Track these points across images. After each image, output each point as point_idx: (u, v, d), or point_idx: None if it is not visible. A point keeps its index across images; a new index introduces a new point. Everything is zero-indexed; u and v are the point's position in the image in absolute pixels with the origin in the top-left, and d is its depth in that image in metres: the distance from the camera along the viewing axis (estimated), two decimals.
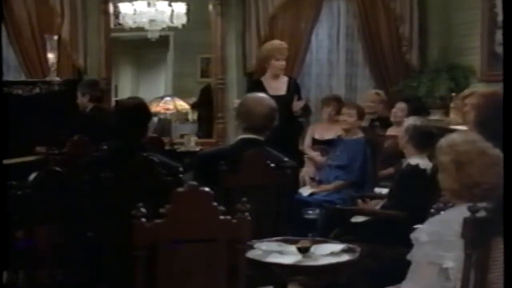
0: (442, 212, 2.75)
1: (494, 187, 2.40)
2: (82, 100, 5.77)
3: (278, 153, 3.79)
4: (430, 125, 4.22)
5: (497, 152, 2.46)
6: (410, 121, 4.21)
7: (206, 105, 7.73)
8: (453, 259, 2.41)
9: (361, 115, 5.60)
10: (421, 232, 2.53)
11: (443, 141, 2.67)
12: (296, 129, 5.72)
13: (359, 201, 4.51)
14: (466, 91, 5.17)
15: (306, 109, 5.91)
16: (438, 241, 2.46)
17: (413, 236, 2.58)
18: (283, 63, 5.55)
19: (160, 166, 3.32)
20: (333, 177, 5.46)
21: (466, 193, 2.50)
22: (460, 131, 3.37)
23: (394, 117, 5.79)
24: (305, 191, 5.51)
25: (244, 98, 4.10)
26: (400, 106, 5.77)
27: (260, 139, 3.75)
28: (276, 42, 5.81)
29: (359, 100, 6.70)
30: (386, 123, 6.09)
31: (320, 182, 5.60)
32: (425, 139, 4.01)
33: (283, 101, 5.43)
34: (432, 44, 7.09)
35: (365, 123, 5.95)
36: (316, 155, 6.00)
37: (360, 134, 5.54)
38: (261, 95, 4.06)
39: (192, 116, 8.48)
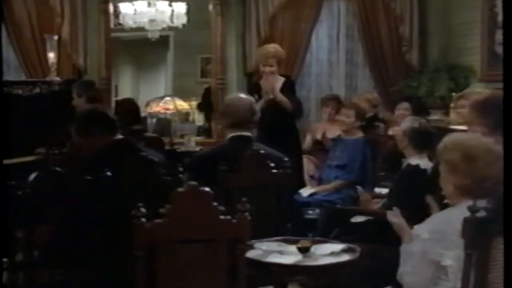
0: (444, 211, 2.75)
1: (501, 181, 2.40)
2: (79, 101, 5.76)
3: (271, 149, 3.87)
4: (428, 125, 4.22)
5: (501, 148, 2.46)
6: (408, 122, 4.21)
7: (208, 106, 7.74)
8: (452, 258, 2.41)
9: (359, 115, 5.59)
10: (422, 230, 2.54)
11: (446, 141, 2.67)
12: (293, 129, 5.71)
13: (361, 188, 4.48)
14: (457, 94, 5.16)
15: (299, 110, 5.88)
16: (439, 239, 2.47)
17: (414, 232, 2.59)
18: (270, 69, 5.55)
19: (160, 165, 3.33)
20: (333, 177, 5.46)
21: (476, 187, 2.49)
22: (457, 132, 3.36)
23: (401, 117, 5.75)
24: (305, 192, 5.51)
25: (225, 100, 4.34)
26: (404, 106, 5.76)
27: (249, 135, 3.91)
28: (265, 48, 5.75)
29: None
30: (382, 122, 6.11)
31: (319, 181, 5.60)
32: (424, 140, 4.01)
33: (276, 102, 5.45)
34: (432, 44, 7.09)
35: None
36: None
37: (360, 134, 5.54)
38: (239, 94, 4.33)
39: (196, 116, 8.49)
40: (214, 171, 3.56)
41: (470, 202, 2.36)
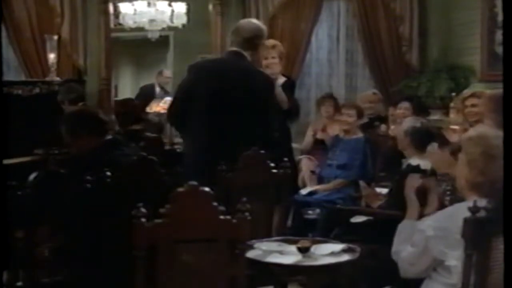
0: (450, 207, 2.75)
1: None
2: (65, 107, 5.77)
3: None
4: (429, 125, 4.22)
5: None
6: (409, 122, 4.21)
7: None
8: (457, 258, 2.41)
9: (360, 114, 5.61)
10: (428, 226, 2.54)
11: (472, 133, 2.65)
12: (283, 127, 5.62)
13: (364, 184, 4.47)
14: (466, 93, 5.16)
15: (295, 111, 5.83)
16: (443, 237, 2.47)
17: (419, 226, 2.59)
18: (272, 60, 5.51)
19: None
20: (333, 176, 5.46)
21: (487, 186, 2.48)
22: (484, 127, 3.33)
23: (402, 117, 5.74)
24: (304, 190, 5.51)
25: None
26: (405, 105, 5.76)
27: (243, 53, 4.00)
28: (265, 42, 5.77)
29: (357, 100, 6.70)
30: (384, 121, 6.10)
31: (320, 179, 5.58)
32: (426, 139, 4.01)
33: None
34: (432, 44, 7.09)
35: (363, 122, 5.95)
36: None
37: (360, 134, 5.54)
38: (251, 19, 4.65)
39: None
40: (205, 81, 3.91)
41: (478, 199, 2.35)
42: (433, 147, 3.85)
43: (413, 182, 3.23)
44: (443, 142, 4.07)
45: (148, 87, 9.59)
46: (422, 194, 3.25)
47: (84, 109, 4.51)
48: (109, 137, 3.60)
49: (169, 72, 9.19)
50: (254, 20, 4.44)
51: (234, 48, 4.05)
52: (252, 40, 4.06)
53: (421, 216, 3.00)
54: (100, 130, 3.58)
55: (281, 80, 5.52)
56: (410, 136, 4.08)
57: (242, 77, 3.93)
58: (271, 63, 5.46)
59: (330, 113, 6.25)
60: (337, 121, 5.85)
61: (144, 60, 11.33)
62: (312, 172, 5.77)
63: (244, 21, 4.38)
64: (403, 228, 2.90)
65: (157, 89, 9.32)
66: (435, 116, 6.12)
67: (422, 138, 4.04)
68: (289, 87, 5.60)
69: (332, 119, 6.21)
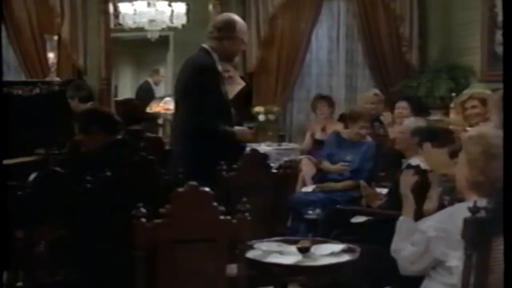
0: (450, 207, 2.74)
1: None
2: (73, 103, 5.77)
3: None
4: (434, 125, 4.22)
5: None
6: (414, 122, 4.20)
7: None
8: (458, 258, 2.41)
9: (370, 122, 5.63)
10: (429, 226, 2.54)
11: (472, 132, 2.65)
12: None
13: (364, 184, 4.47)
14: (464, 95, 5.14)
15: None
16: (444, 238, 2.47)
17: (419, 227, 2.59)
18: (228, 74, 5.40)
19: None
20: (341, 177, 5.44)
21: (488, 186, 2.48)
22: (485, 126, 3.34)
23: (400, 117, 5.74)
24: (308, 188, 5.50)
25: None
26: (403, 105, 5.74)
27: (206, 48, 4.10)
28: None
29: (358, 100, 6.70)
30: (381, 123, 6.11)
31: (322, 177, 5.56)
32: (430, 139, 4.00)
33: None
34: (432, 44, 7.10)
35: None
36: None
37: (368, 138, 5.54)
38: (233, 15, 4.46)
39: None
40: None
41: (478, 199, 2.35)
42: (427, 146, 3.84)
43: (407, 178, 3.23)
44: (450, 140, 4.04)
45: (144, 85, 9.62)
46: (419, 191, 3.25)
47: (98, 108, 4.61)
48: (118, 136, 3.68)
49: (163, 70, 9.20)
50: (230, 14, 4.44)
51: (203, 44, 4.18)
52: (218, 31, 4.13)
53: (421, 212, 3.00)
54: (112, 129, 3.68)
55: (239, 86, 5.29)
56: (419, 136, 4.05)
57: (182, 70, 4.13)
58: (226, 77, 5.35)
59: (325, 113, 6.26)
60: (337, 121, 5.85)
61: (144, 60, 11.33)
62: (313, 178, 5.74)
63: (220, 15, 4.53)
64: (402, 225, 2.90)
65: (154, 87, 9.36)
66: (435, 116, 6.12)
67: (430, 138, 4.02)
68: (244, 95, 5.47)
69: (329, 118, 6.21)
